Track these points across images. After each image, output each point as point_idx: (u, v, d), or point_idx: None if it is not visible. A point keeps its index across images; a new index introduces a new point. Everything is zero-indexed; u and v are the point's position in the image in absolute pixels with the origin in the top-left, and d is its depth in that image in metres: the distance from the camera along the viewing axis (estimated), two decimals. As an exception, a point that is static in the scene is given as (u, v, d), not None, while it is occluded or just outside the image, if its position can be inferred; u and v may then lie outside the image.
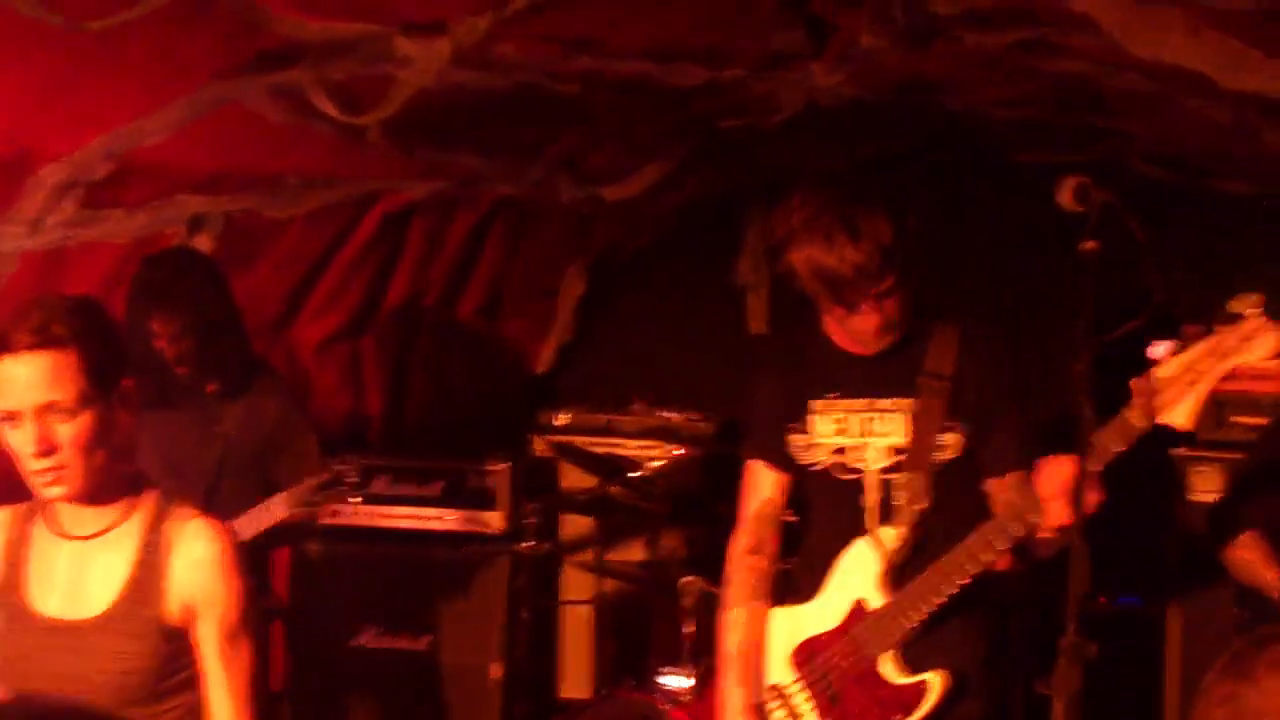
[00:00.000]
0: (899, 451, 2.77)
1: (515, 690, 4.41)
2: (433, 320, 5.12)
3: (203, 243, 3.93)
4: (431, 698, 4.36)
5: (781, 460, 2.90)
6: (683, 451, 4.48)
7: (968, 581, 2.64)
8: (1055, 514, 2.48)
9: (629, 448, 4.90)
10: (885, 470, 2.78)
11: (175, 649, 2.24)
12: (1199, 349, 2.38)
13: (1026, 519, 2.56)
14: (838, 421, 2.82)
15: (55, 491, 2.19)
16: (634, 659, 4.85)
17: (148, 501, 2.30)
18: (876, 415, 2.79)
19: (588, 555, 4.58)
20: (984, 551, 2.61)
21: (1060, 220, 2.26)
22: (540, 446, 5.11)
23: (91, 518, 2.27)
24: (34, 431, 2.14)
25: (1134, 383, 2.42)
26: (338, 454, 3.73)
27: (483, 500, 4.52)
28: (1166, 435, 2.52)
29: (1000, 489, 2.74)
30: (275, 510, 3.42)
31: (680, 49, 3.52)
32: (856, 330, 2.72)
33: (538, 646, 4.82)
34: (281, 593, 4.45)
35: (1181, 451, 4.13)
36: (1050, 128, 4.34)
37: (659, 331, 5.66)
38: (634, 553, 4.91)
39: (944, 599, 2.65)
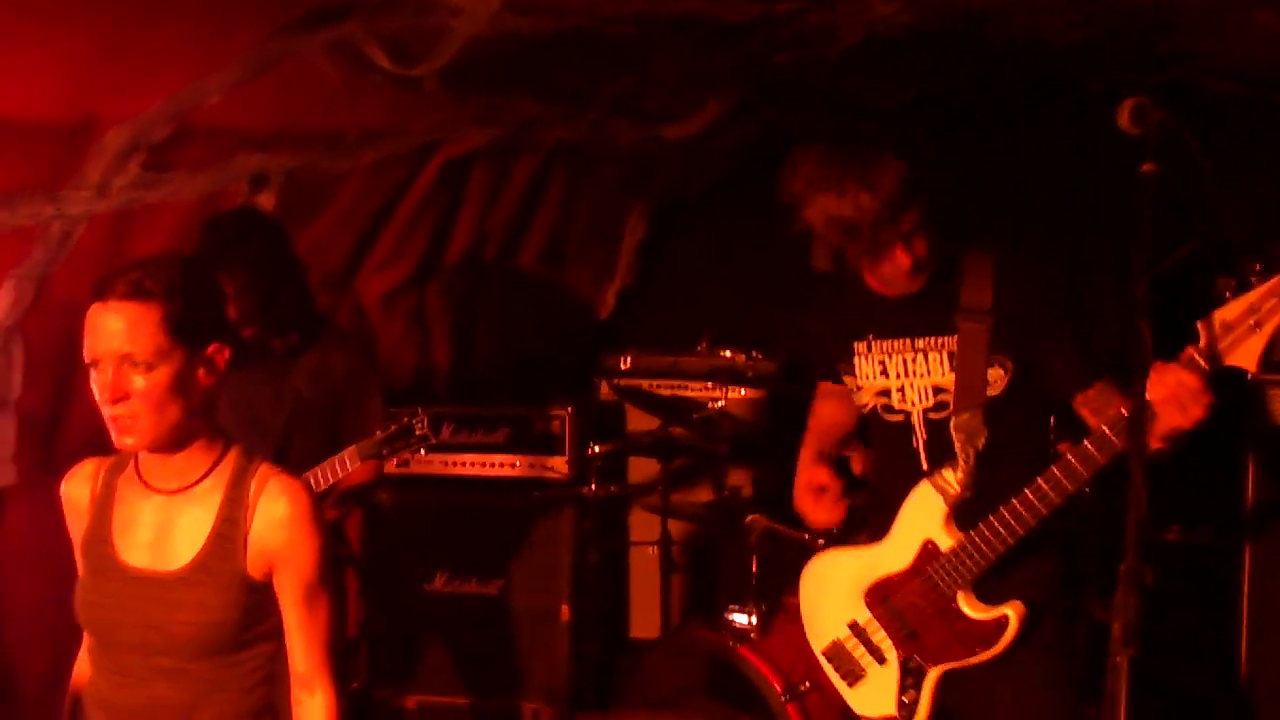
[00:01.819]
0: (940, 390, 2.77)
1: (584, 631, 4.46)
2: (497, 268, 5.14)
3: (265, 200, 3.96)
4: (503, 640, 4.41)
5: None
6: (746, 392, 4.47)
7: (1047, 514, 2.62)
8: (1167, 419, 2.42)
9: (694, 389, 4.91)
10: (930, 410, 2.78)
11: (257, 600, 2.30)
12: (1262, 290, 2.34)
13: (1110, 441, 2.51)
14: (879, 363, 2.83)
15: (125, 441, 2.24)
16: (703, 598, 4.90)
17: (231, 459, 2.35)
18: (916, 355, 2.79)
19: (654, 497, 4.59)
20: (1066, 479, 2.58)
21: (1125, 147, 2.22)
22: (606, 390, 5.13)
23: (176, 472, 2.32)
24: (109, 379, 2.19)
25: (1200, 324, 2.38)
26: (405, 404, 3.77)
27: (548, 445, 4.54)
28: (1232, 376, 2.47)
29: (1079, 407, 2.72)
30: (346, 463, 3.45)
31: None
32: (889, 275, 2.71)
33: (607, 588, 4.88)
34: (354, 541, 4.51)
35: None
36: (1116, 51, 4.25)
37: (723, 272, 5.64)
38: (701, 493, 4.93)
39: (1024, 532, 2.65)
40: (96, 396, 2.24)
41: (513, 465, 4.56)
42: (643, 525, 5.03)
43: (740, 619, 3.79)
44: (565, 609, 4.38)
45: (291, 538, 2.29)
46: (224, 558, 2.28)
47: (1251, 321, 2.33)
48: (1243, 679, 3.72)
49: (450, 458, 4.61)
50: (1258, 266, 2.53)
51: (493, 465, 4.59)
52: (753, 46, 4.13)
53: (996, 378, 2.74)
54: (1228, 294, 2.38)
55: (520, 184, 4.82)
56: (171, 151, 3.53)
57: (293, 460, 3.48)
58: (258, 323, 3.53)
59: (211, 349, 2.29)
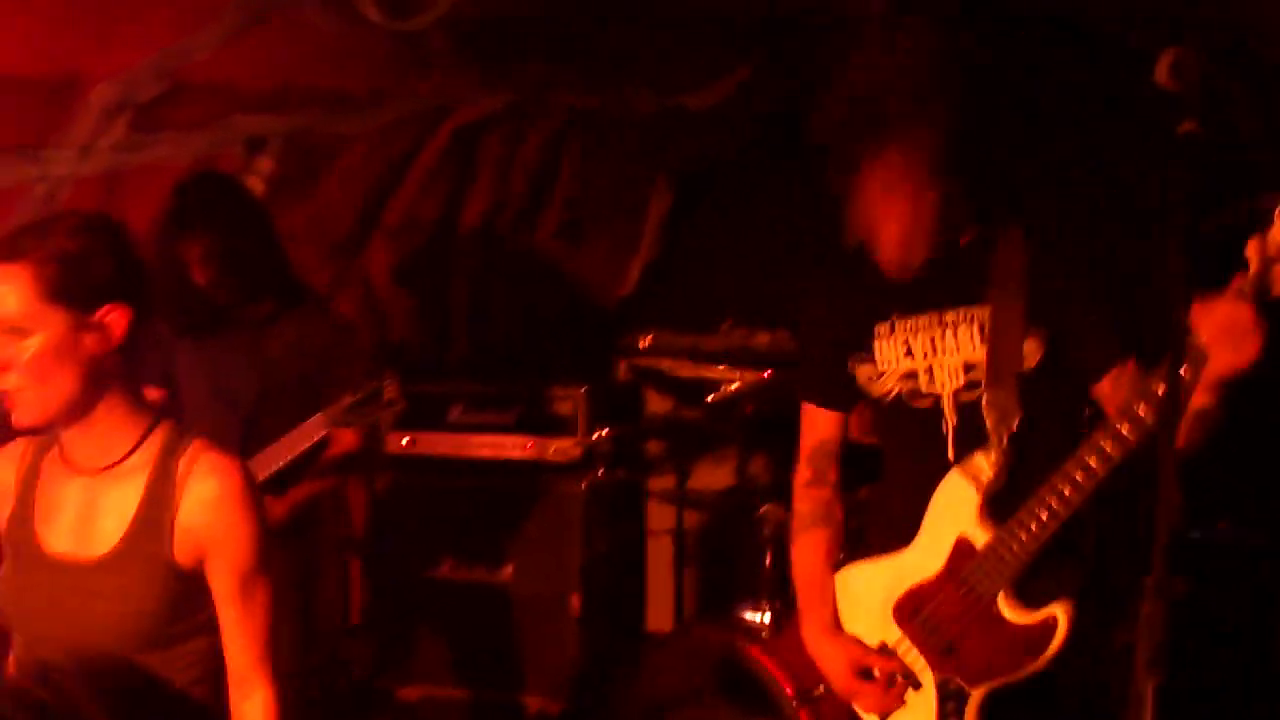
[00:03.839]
0: (971, 368, 2.53)
1: (595, 622, 4.28)
2: (512, 241, 4.96)
3: (263, 164, 3.83)
4: (510, 629, 4.24)
5: (834, 397, 2.71)
6: (768, 374, 4.26)
7: (1081, 501, 2.37)
8: (1219, 360, 2.14)
9: (715, 370, 4.71)
10: (962, 390, 2.54)
11: (186, 589, 2.12)
12: None
13: (1141, 418, 2.28)
14: (904, 344, 2.59)
15: (16, 418, 2.08)
16: (718, 590, 4.72)
17: (160, 434, 2.17)
18: (944, 329, 2.56)
19: (670, 484, 4.40)
20: (1097, 462, 2.34)
21: (1167, 108, 2.00)
22: (624, 370, 4.94)
23: (99, 450, 2.14)
24: None
25: (1249, 249, 2.14)
26: (415, 381, 3.62)
27: (559, 427, 4.38)
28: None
29: (1111, 389, 2.46)
30: (312, 430, 3.32)
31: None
32: (885, 225, 2.47)
33: (621, 578, 4.69)
34: (357, 524, 4.37)
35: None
36: (1156, 9, 4.00)
37: (750, 247, 5.41)
38: (719, 479, 4.74)
39: (1058, 523, 2.39)
40: None
41: (523, 447, 4.38)
42: (659, 514, 4.84)
43: (752, 616, 3.60)
44: (575, 599, 4.20)
45: (223, 520, 2.10)
46: (149, 541, 2.10)
47: None
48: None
49: (460, 438, 4.45)
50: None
51: (502, 446, 4.42)
52: (782, 4, 3.93)
53: (1031, 350, 2.51)
54: (1278, 213, 2.12)
55: (534, 151, 4.64)
56: (162, 110, 3.41)
57: (264, 432, 3.36)
58: (225, 290, 3.40)
59: (102, 312, 2.09)
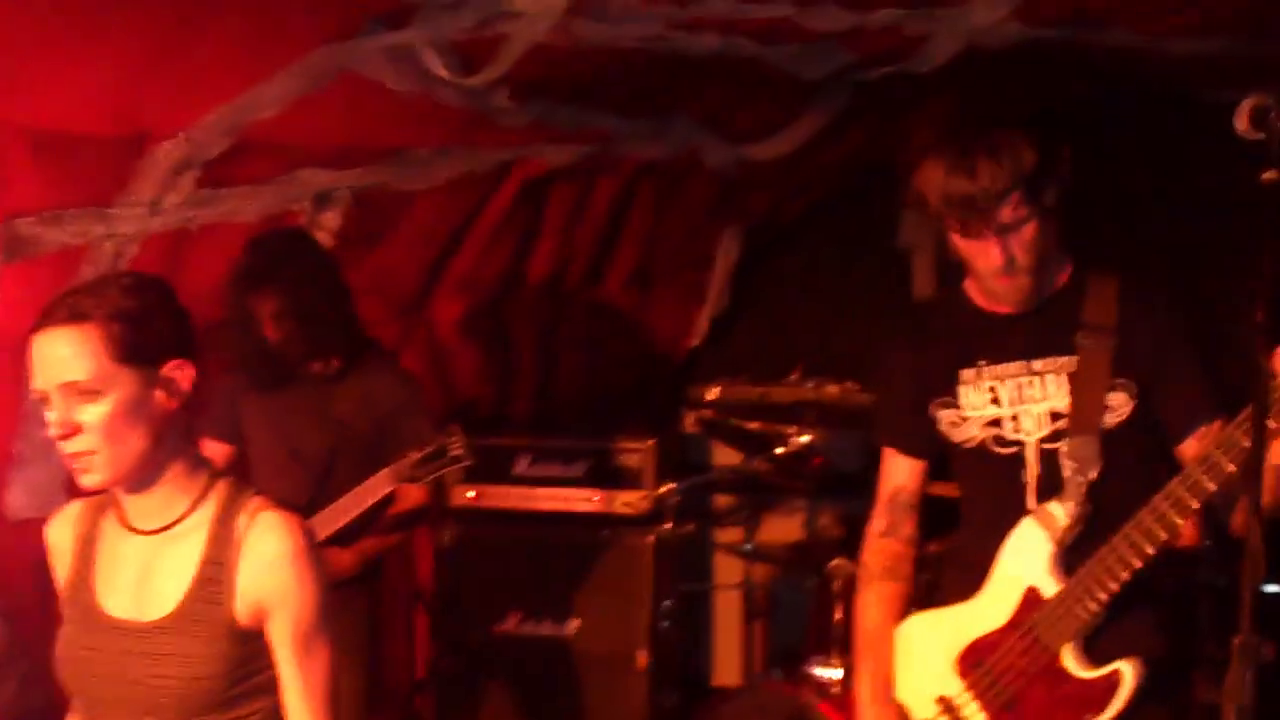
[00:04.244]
0: (1059, 417, 2.47)
1: (662, 678, 4.23)
2: (580, 293, 4.95)
3: (330, 220, 3.84)
4: (576, 686, 4.20)
5: (915, 444, 2.67)
6: (838, 427, 4.21)
7: (1154, 552, 2.31)
8: None
9: (783, 423, 4.66)
10: (1046, 439, 2.48)
11: (248, 652, 2.10)
12: None
13: (1220, 465, 2.22)
14: (989, 390, 2.53)
15: (87, 480, 2.06)
16: (788, 646, 4.64)
17: (218, 492, 2.15)
18: (1032, 379, 2.50)
19: (737, 536, 4.35)
20: (1173, 512, 2.28)
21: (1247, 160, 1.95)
22: (692, 421, 4.90)
23: (158, 510, 2.13)
24: (58, 413, 2.03)
25: None
26: (481, 436, 3.61)
27: (627, 480, 4.34)
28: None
29: (1196, 450, 2.39)
30: (378, 486, 3.33)
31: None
32: (980, 270, 2.44)
33: (688, 633, 4.63)
34: (425, 579, 4.35)
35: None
36: (1239, 61, 3.92)
37: (819, 299, 5.38)
38: (788, 533, 4.67)
39: (1130, 574, 2.33)
40: (51, 434, 2.06)
41: (591, 500, 4.36)
42: (726, 567, 4.78)
43: (823, 673, 3.53)
44: (642, 655, 4.15)
45: (284, 578, 2.08)
46: (209, 603, 2.08)
47: None
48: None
49: (526, 491, 4.44)
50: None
51: (570, 500, 4.40)
52: (844, 60, 3.89)
53: (1119, 403, 2.45)
54: None
55: (603, 204, 4.62)
56: (228, 167, 3.41)
57: (336, 489, 3.37)
58: (297, 346, 3.41)
59: (169, 367, 2.09)
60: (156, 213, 3.35)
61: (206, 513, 2.13)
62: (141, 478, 2.10)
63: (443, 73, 3.16)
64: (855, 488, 4.13)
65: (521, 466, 4.40)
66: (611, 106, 3.97)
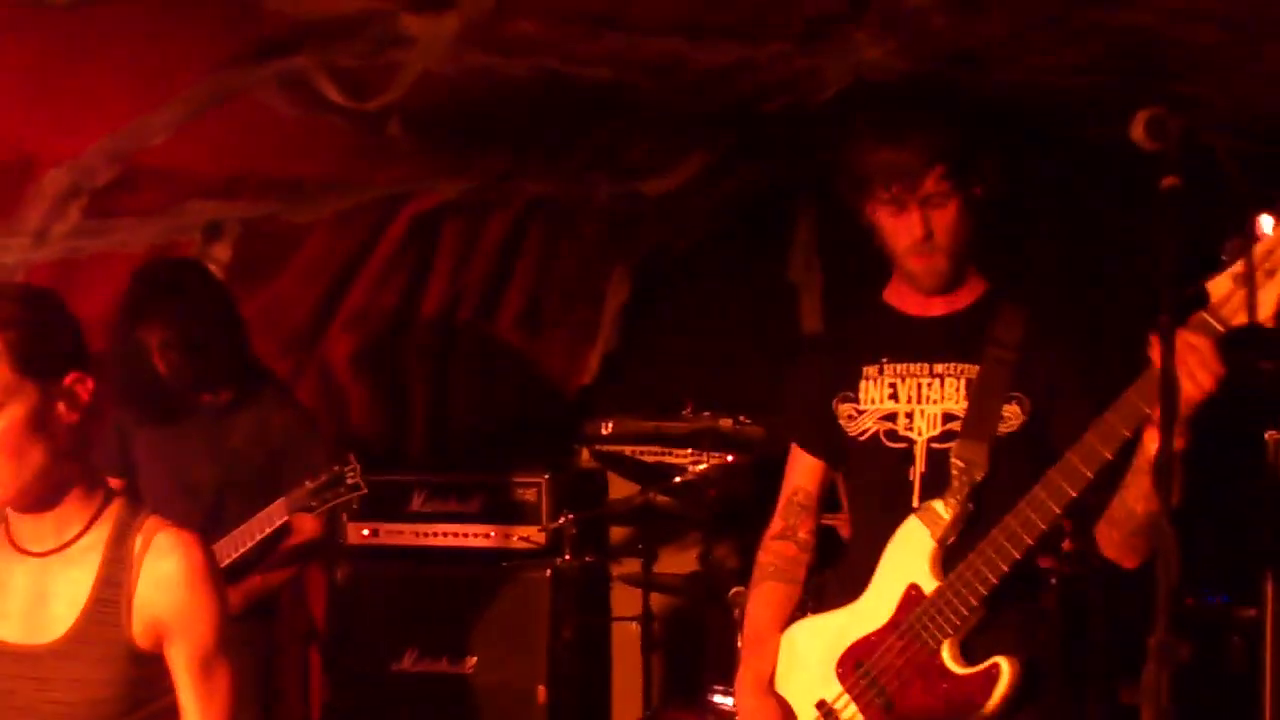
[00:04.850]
0: (952, 419, 2.53)
1: (562, 713, 4.20)
2: (472, 330, 4.93)
3: (220, 251, 3.78)
4: (475, 724, 4.15)
5: (817, 442, 2.70)
6: (732, 457, 4.24)
7: (1033, 543, 2.34)
8: (1185, 388, 2.08)
9: (678, 455, 4.68)
10: (937, 439, 2.53)
11: (146, 675, 2.04)
12: (1271, 239, 2.10)
13: (1098, 452, 2.25)
14: (889, 387, 2.59)
15: None
16: (687, 676, 4.63)
17: (112, 512, 2.10)
18: (933, 380, 2.56)
19: (635, 568, 4.34)
20: (1051, 500, 2.31)
21: (1131, 192, 2.02)
22: (587, 457, 4.90)
23: (51, 531, 2.07)
24: None
25: (1208, 284, 2.14)
26: (376, 471, 3.56)
27: (523, 514, 4.34)
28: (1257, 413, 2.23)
29: None
30: (274, 515, 3.27)
31: (712, 22, 3.31)
32: (901, 249, 2.50)
33: (588, 666, 4.61)
34: (317, 616, 4.27)
35: (1276, 435, 3.81)
36: (1113, 98, 4.07)
37: (708, 334, 5.42)
38: (684, 564, 4.67)
39: (1009, 566, 2.36)
40: None
41: (486, 535, 4.34)
42: (625, 600, 4.77)
43: (724, 701, 3.53)
44: (542, 690, 4.11)
45: (184, 598, 2.03)
46: (105, 625, 2.02)
47: (1266, 269, 2.09)
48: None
49: (421, 528, 4.40)
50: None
51: (465, 535, 4.36)
52: (735, 93, 3.95)
53: (1012, 414, 2.51)
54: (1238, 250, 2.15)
55: (495, 240, 4.61)
56: (117, 196, 3.35)
57: (229, 520, 3.31)
58: (186, 377, 3.33)
59: (69, 379, 2.04)
60: (42, 243, 3.28)
61: (101, 533, 2.07)
62: (40, 494, 2.04)
63: (336, 97, 3.14)
64: (750, 518, 4.17)
65: (416, 503, 4.38)
66: (504, 140, 3.98)
